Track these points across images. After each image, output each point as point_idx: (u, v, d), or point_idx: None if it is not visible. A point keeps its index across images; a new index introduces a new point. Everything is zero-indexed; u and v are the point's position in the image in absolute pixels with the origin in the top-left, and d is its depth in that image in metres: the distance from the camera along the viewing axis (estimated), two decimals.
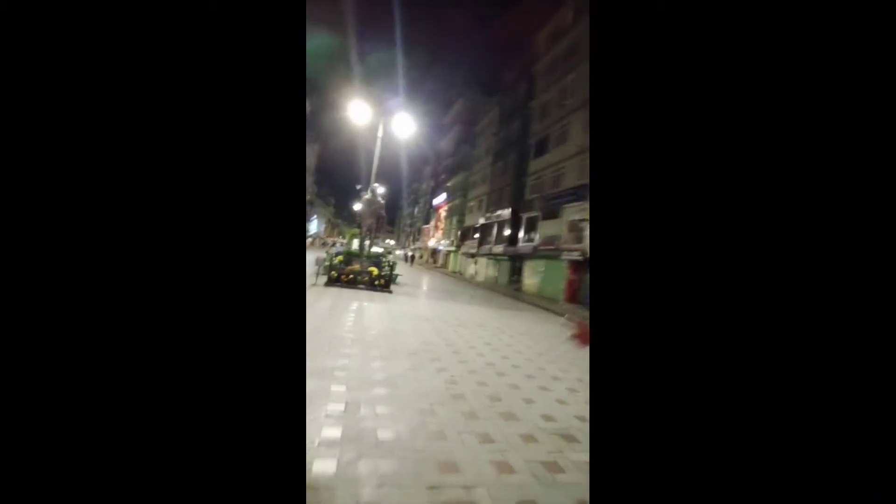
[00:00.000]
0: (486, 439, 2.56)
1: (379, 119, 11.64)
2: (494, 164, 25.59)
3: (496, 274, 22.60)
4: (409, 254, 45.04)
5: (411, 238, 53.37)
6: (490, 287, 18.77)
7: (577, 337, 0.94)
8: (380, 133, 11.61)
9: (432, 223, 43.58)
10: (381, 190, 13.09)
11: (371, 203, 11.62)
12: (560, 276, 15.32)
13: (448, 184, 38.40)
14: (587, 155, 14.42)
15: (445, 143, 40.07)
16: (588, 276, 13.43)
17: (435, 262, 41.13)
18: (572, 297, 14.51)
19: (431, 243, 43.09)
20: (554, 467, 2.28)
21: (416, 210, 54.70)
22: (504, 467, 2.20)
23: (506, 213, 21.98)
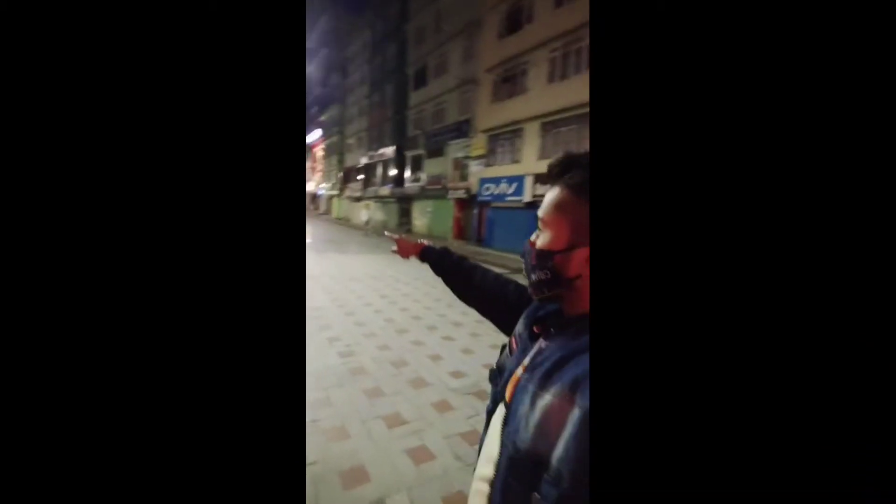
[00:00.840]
0: (397, 421, 2.24)
1: None
2: (371, 96, 23.41)
3: (385, 217, 21.88)
4: None
5: None
6: (380, 232, 18.12)
7: (398, 250, 0.96)
8: None
9: (308, 163, 39.25)
10: None
11: None
12: (448, 214, 15.54)
13: (321, 118, 34.35)
14: (468, 88, 14.06)
15: (314, 70, 34.89)
16: (473, 211, 13.88)
17: (316, 207, 37.89)
18: (460, 233, 14.98)
19: (309, 187, 39.22)
20: (474, 437, 2.10)
21: None
22: (422, 454, 1.92)
23: (389, 151, 20.79)
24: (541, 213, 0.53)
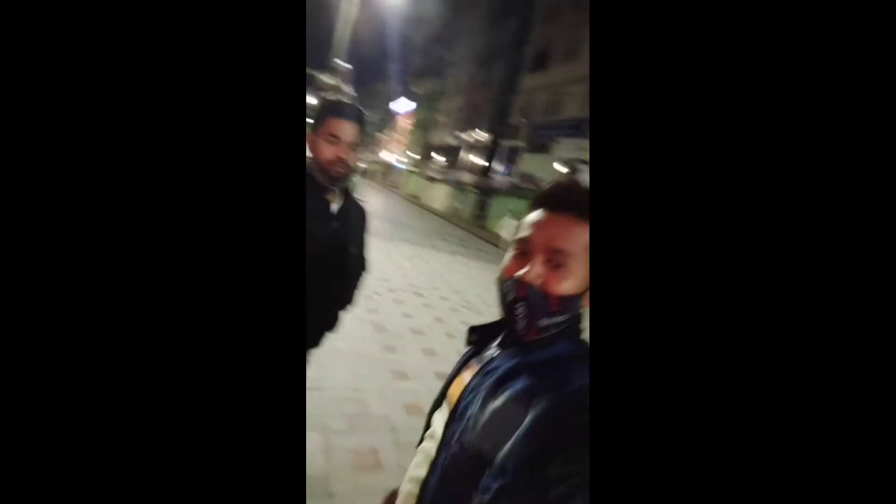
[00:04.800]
0: None
1: None
2: (475, 73, 21.49)
3: (459, 205, 20.16)
4: (363, 167, 40.22)
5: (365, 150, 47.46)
6: (449, 219, 16.43)
7: None
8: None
9: (391, 134, 38.57)
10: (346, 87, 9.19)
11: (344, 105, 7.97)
12: None
13: (414, 89, 33.12)
14: None
15: (417, 38, 33.62)
16: None
17: (387, 179, 37.26)
18: None
19: (387, 157, 38.63)
20: None
21: (371, 115, 47.95)
22: None
23: (482, 135, 18.89)
24: (562, 248, 0.47)
